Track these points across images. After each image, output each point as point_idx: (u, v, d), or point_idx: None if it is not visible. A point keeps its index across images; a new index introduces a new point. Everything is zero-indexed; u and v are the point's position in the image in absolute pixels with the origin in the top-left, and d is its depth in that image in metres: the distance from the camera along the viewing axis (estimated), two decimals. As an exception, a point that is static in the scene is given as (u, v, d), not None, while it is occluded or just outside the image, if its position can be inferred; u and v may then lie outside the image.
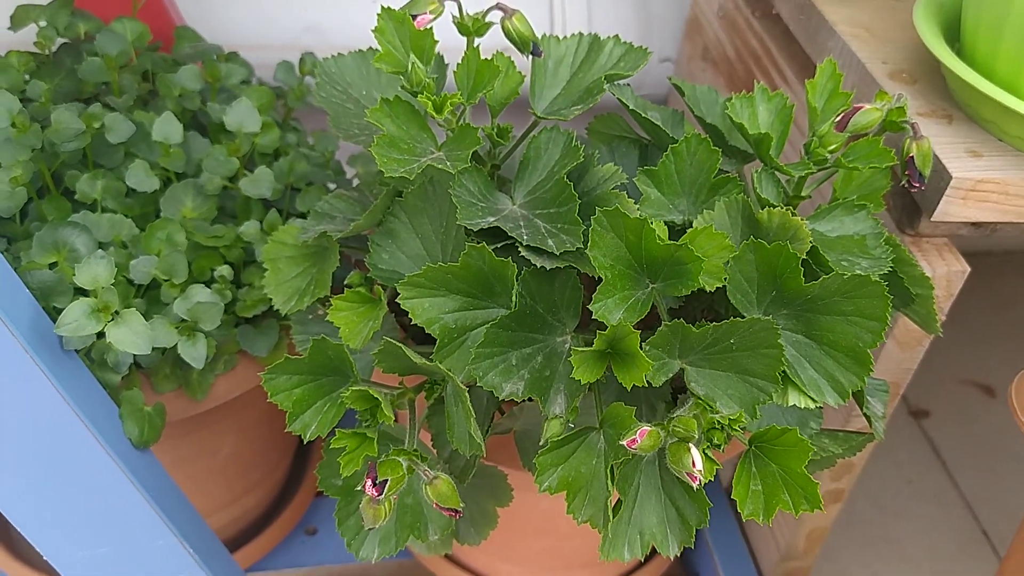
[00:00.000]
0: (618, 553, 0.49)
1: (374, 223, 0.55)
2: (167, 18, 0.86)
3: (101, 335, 0.58)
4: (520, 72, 0.54)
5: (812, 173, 0.52)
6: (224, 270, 0.70)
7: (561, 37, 0.57)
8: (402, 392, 0.51)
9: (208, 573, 0.68)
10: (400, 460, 0.46)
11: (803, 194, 0.54)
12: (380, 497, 0.44)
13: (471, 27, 0.51)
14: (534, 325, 0.48)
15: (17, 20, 0.74)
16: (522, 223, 0.50)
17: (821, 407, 0.49)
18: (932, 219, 0.57)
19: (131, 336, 0.59)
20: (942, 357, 1.21)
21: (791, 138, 0.62)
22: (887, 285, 0.45)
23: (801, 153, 0.52)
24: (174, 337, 0.63)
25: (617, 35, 0.57)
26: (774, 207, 0.49)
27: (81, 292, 0.60)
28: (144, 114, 0.72)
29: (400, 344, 0.46)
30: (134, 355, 0.66)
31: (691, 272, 0.45)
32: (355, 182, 0.84)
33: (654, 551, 0.50)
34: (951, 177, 0.55)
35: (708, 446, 0.44)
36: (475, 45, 0.51)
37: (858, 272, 0.45)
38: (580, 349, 0.46)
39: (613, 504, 0.47)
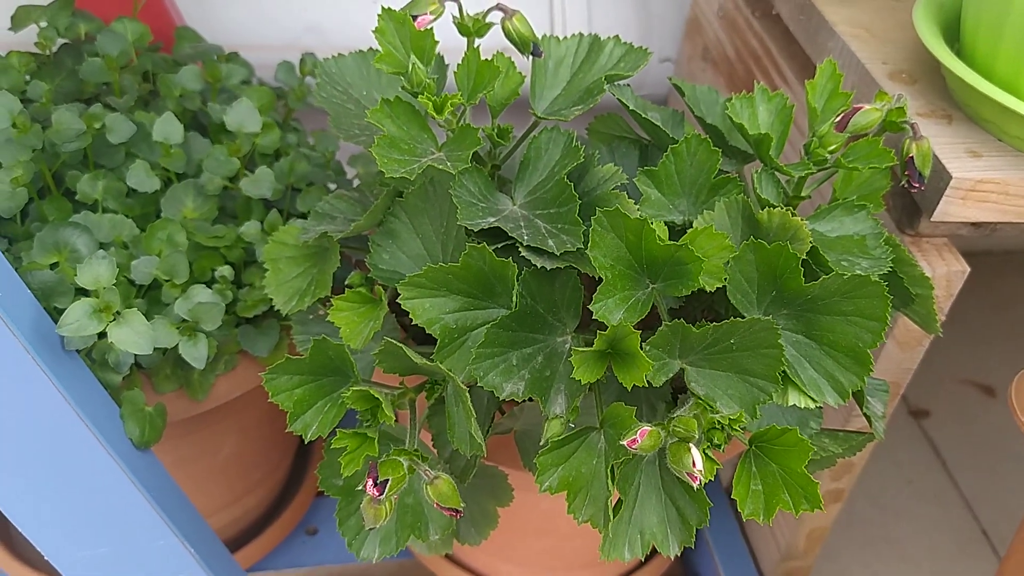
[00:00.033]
0: (618, 553, 0.49)
1: (375, 223, 0.55)
2: (168, 18, 0.86)
3: (103, 335, 0.58)
4: (520, 72, 0.54)
5: (812, 173, 0.52)
6: (225, 270, 0.70)
7: (561, 37, 0.57)
8: (403, 392, 0.51)
9: (209, 573, 0.68)
10: (401, 460, 0.46)
11: (803, 194, 0.54)
12: (381, 497, 0.44)
13: (471, 28, 0.51)
14: (535, 325, 0.49)
15: (18, 21, 0.74)
16: (522, 223, 0.50)
17: (821, 407, 0.49)
18: (932, 219, 0.57)
19: (133, 336, 0.59)
20: (942, 357, 1.21)
21: (791, 138, 0.62)
22: (887, 285, 0.45)
23: (801, 153, 0.52)
24: (175, 337, 0.64)
25: (617, 35, 0.57)
26: (774, 207, 0.49)
27: (82, 292, 0.61)
28: (145, 114, 0.72)
29: (401, 344, 0.46)
30: (135, 355, 0.66)
31: (691, 272, 0.45)
32: (356, 182, 0.84)
33: (654, 551, 0.50)
34: (951, 177, 0.55)
35: (708, 446, 0.44)
36: (475, 46, 0.51)
37: (858, 272, 0.45)
38: (580, 349, 0.46)
39: (613, 504, 0.47)
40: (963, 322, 1.28)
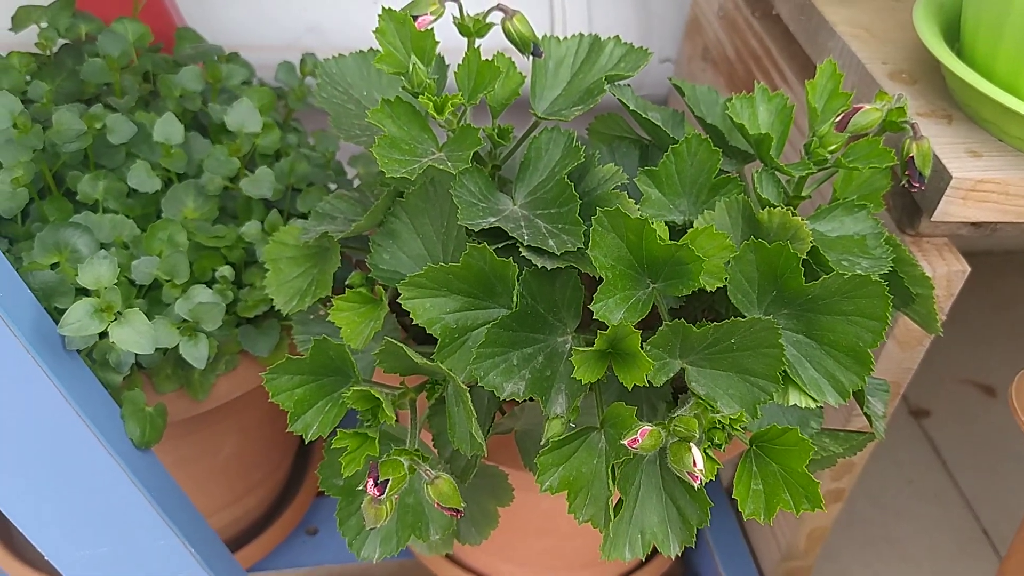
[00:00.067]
0: (619, 553, 0.49)
1: (375, 223, 0.55)
2: (168, 19, 0.86)
3: (104, 335, 0.58)
4: (521, 73, 0.54)
5: (812, 173, 0.52)
6: (225, 270, 0.70)
7: (561, 38, 0.57)
8: (403, 392, 0.51)
9: (209, 573, 0.68)
10: (401, 460, 0.46)
11: (803, 194, 0.54)
12: (381, 497, 0.44)
13: (472, 28, 0.51)
14: (535, 325, 0.49)
15: (18, 21, 0.74)
16: (523, 223, 0.50)
17: (822, 407, 0.49)
18: (932, 219, 0.57)
19: (134, 336, 0.59)
20: (942, 357, 1.21)
21: (791, 138, 0.62)
22: (887, 285, 0.45)
23: (801, 153, 0.52)
24: (176, 337, 0.64)
25: (617, 36, 0.57)
26: (774, 207, 0.49)
27: (83, 292, 0.61)
28: (145, 115, 0.72)
29: (401, 344, 0.46)
30: (136, 355, 0.66)
31: (692, 272, 0.45)
32: (356, 183, 0.84)
33: (655, 551, 0.50)
34: (951, 177, 0.55)
35: (709, 445, 0.44)
36: (476, 46, 0.51)
37: (858, 272, 0.45)
38: (581, 349, 0.46)
39: (614, 504, 0.47)
40: (963, 322, 1.28)
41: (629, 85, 0.59)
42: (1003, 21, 0.55)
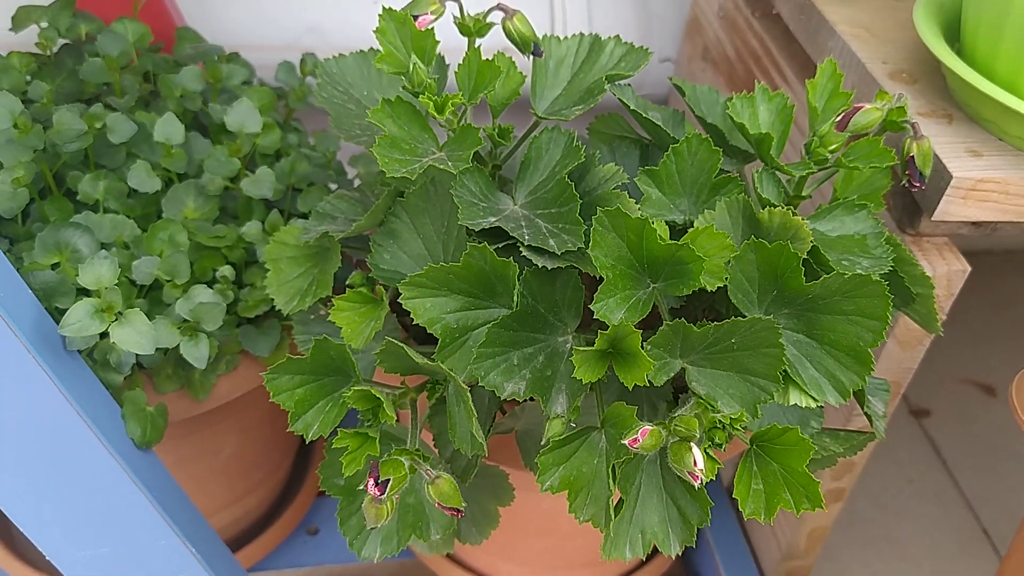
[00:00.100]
0: (620, 552, 0.49)
1: (375, 223, 0.55)
2: (168, 19, 0.87)
3: (104, 335, 0.58)
4: (521, 72, 0.54)
5: (813, 173, 0.52)
6: (226, 270, 0.70)
7: (562, 37, 0.57)
8: (404, 392, 0.51)
9: (210, 573, 0.68)
10: (402, 459, 0.46)
11: (804, 194, 0.54)
12: (382, 496, 0.44)
13: (472, 28, 0.51)
14: (536, 325, 0.49)
15: (18, 21, 0.74)
16: (523, 223, 0.50)
17: (822, 406, 0.49)
18: (932, 218, 0.57)
19: (135, 336, 0.59)
20: (943, 356, 1.21)
21: (791, 138, 0.62)
22: (888, 284, 0.45)
23: (802, 153, 0.52)
24: (176, 337, 0.64)
25: (618, 35, 0.57)
26: (775, 207, 0.49)
27: (84, 293, 0.61)
28: (146, 115, 0.72)
29: (402, 344, 0.46)
30: (136, 355, 0.66)
31: (692, 272, 0.45)
32: (356, 182, 0.84)
33: (655, 550, 0.50)
34: (951, 177, 0.55)
35: (709, 445, 0.45)
36: (476, 46, 0.51)
37: (859, 272, 0.45)
38: (582, 349, 0.46)
39: (615, 503, 0.47)
40: (964, 321, 1.28)
41: (629, 85, 0.59)
42: (1003, 21, 0.55)
